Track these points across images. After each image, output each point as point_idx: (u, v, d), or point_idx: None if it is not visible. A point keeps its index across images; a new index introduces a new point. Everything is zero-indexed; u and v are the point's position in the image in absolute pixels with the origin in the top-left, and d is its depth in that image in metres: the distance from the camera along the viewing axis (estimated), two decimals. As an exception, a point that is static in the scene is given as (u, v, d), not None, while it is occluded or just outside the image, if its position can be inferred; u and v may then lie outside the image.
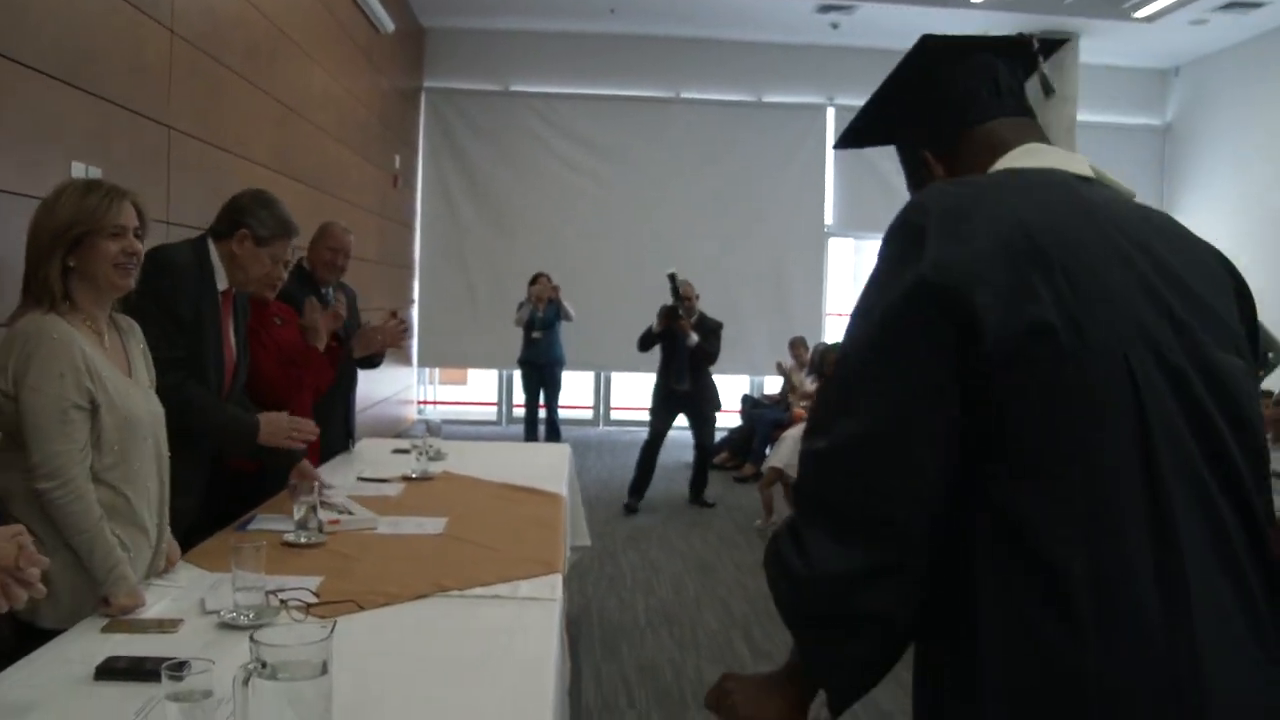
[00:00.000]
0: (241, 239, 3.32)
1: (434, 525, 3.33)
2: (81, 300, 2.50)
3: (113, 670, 2.02)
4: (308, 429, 3.41)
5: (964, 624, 1.28)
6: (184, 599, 2.50)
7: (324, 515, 3.18)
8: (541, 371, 10.35)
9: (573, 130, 12.47)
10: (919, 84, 1.60)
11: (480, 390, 14.73)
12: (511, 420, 12.99)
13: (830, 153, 12.43)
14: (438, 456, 4.59)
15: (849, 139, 1.75)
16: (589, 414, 13.27)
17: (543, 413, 10.44)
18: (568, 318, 10.25)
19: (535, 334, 10.19)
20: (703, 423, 8.42)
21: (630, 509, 8.21)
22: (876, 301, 1.33)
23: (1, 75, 3.63)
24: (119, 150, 4.52)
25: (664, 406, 8.42)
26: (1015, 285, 1.26)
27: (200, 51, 5.36)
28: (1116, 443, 1.24)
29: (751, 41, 12.19)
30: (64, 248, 2.45)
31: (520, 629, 2.39)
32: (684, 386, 8.27)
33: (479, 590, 2.64)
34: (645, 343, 8.51)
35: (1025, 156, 1.50)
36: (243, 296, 3.56)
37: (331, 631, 1.63)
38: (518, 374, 13.07)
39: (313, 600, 2.46)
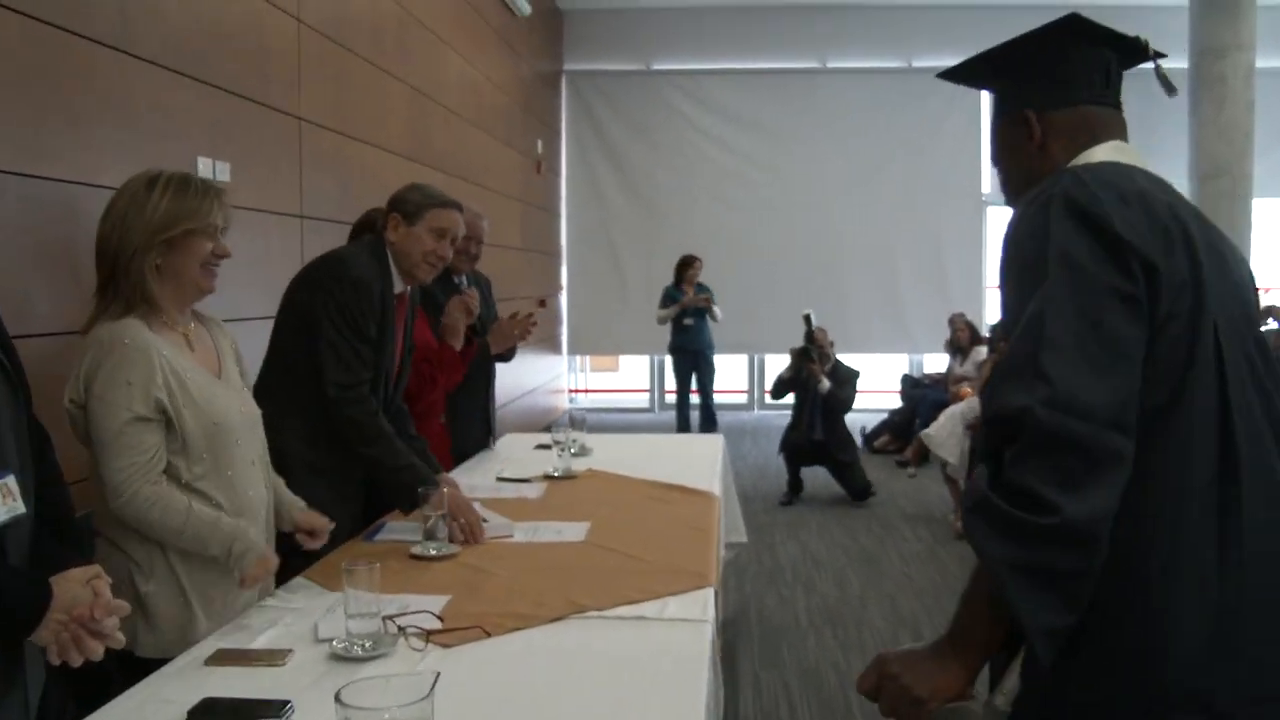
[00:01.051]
0: (394, 224, 3.22)
1: (575, 532, 3.06)
2: (165, 302, 2.31)
3: (208, 712, 1.80)
4: (476, 530, 2.99)
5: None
6: (297, 624, 2.28)
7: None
8: (695, 358, 10.06)
9: (718, 107, 12.09)
10: (1054, 50, 1.76)
11: (632, 377, 14.51)
12: (664, 406, 12.74)
13: (987, 119, 11.78)
14: (582, 452, 4.33)
15: (962, 73, 1.92)
16: (743, 398, 12.92)
17: (695, 398, 10.14)
18: (714, 318, 9.93)
19: (687, 320, 9.90)
20: (843, 468, 7.84)
21: (787, 503, 7.84)
22: (1070, 269, 1.47)
23: (123, 71, 3.49)
24: (247, 144, 4.37)
25: (794, 459, 7.96)
26: (1166, 248, 1.49)
27: (328, 40, 5.20)
28: (1203, 392, 1.48)
29: (900, 5, 11.61)
30: (159, 247, 2.25)
31: (666, 656, 2.10)
32: (817, 435, 7.76)
33: (622, 610, 2.35)
34: (779, 390, 8.10)
35: (1115, 153, 1.69)
36: (414, 297, 3.46)
37: (433, 687, 1.36)
38: (669, 360, 12.93)
39: (435, 626, 2.20)
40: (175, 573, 2.23)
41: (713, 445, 4.74)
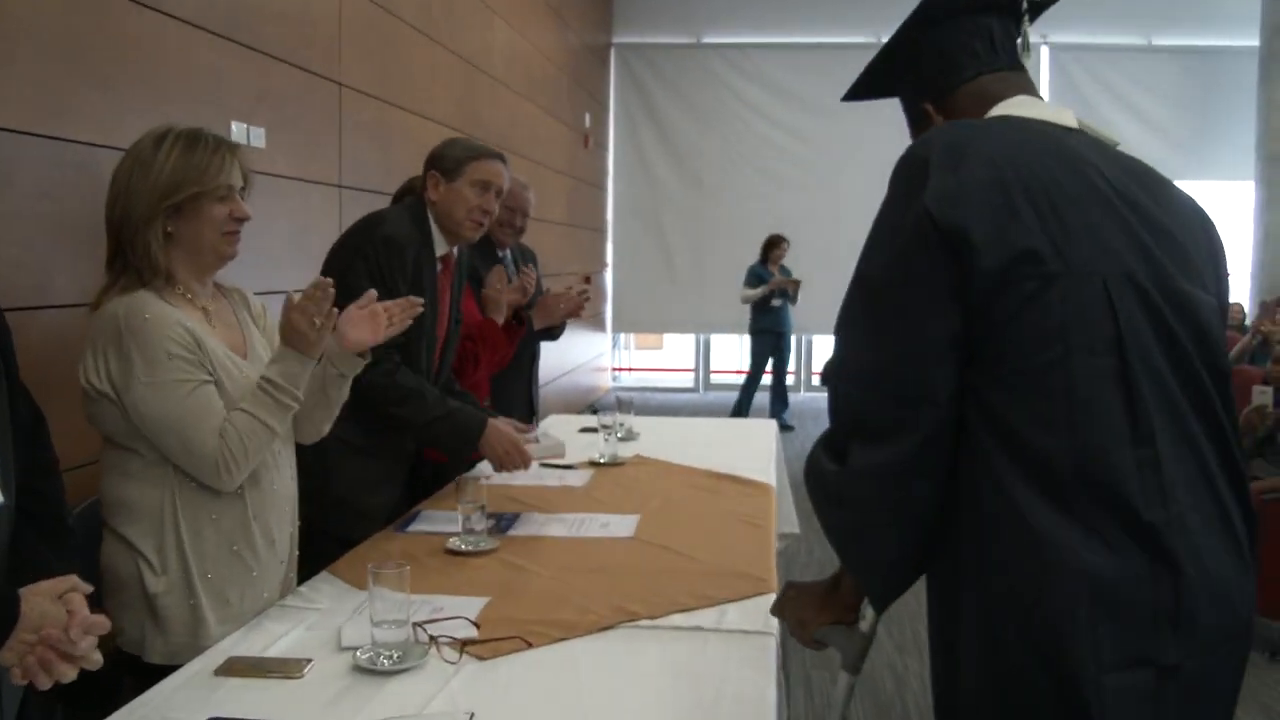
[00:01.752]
0: (434, 183, 3.02)
1: (623, 526, 2.85)
2: (180, 273, 2.11)
3: (214, 733, 1.61)
4: (523, 458, 3.03)
5: (964, 519, 1.43)
6: (320, 627, 2.08)
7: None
8: (779, 339, 9.88)
9: (769, 82, 11.79)
10: (921, 40, 1.72)
11: (677, 356, 14.30)
12: (709, 387, 12.52)
13: (1047, 91, 11.43)
14: (629, 436, 4.12)
15: (858, 91, 1.86)
16: (789, 380, 12.64)
17: (768, 379, 10.06)
18: (793, 301, 9.72)
19: (775, 302, 9.69)
20: None
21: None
22: (886, 232, 1.49)
23: (155, 30, 3.31)
24: (286, 110, 4.18)
25: None
26: (1006, 214, 1.41)
27: (371, 3, 5.00)
28: (1094, 355, 1.39)
29: (961, -23, 11.26)
30: (165, 213, 2.05)
31: (727, 674, 1.89)
32: None
33: (676, 619, 2.14)
34: (826, 378, 7.85)
35: (1015, 107, 1.63)
36: (464, 259, 3.28)
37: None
38: (716, 339, 12.68)
39: (471, 634, 2.00)
40: (189, 569, 2.04)
41: (766, 431, 4.51)
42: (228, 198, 2.11)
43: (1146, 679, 1.34)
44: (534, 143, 8.27)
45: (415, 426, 2.91)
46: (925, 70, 1.72)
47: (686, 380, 12.91)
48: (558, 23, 9.18)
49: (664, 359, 15.13)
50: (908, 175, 1.48)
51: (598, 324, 11.45)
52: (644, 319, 12.44)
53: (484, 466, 3.60)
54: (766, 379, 10.26)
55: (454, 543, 2.62)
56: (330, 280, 2.21)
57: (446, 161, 3.02)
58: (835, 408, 1.53)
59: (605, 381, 12.10)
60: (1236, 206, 10.33)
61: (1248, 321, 8.76)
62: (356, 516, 2.85)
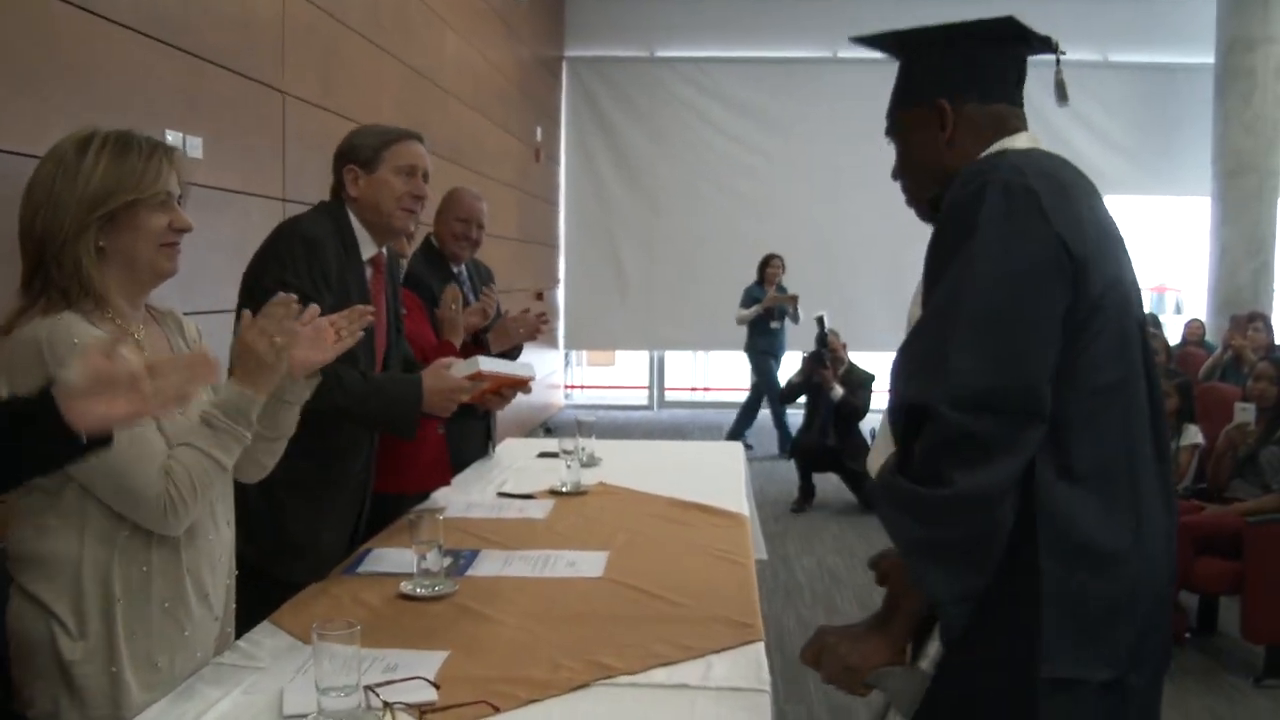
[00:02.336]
0: (352, 177, 2.73)
1: (591, 564, 2.64)
2: (112, 293, 1.87)
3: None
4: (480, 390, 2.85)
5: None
6: (259, 690, 1.85)
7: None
8: (778, 362, 9.66)
9: (724, 96, 11.62)
10: (986, 45, 1.78)
11: (629, 373, 14.08)
12: (663, 404, 12.31)
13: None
14: (590, 462, 3.91)
15: (882, 42, 1.87)
16: (745, 396, 12.44)
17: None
18: (795, 320, 9.49)
19: (774, 324, 9.47)
20: (857, 476, 7.31)
21: (798, 510, 7.44)
22: (1003, 258, 1.53)
23: (84, 32, 3.07)
24: (225, 118, 3.94)
25: (806, 464, 7.56)
26: (1098, 244, 1.59)
27: (317, 8, 4.77)
28: (1138, 378, 1.63)
29: (915, -9, 11.20)
30: (97, 224, 1.82)
31: (719, 740, 1.69)
32: (829, 441, 7.37)
33: (658, 674, 1.93)
34: (789, 395, 7.84)
35: (1033, 143, 1.74)
36: (394, 266, 2.99)
37: None
38: (671, 356, 12.49)
39: (430, 699, 1.79)
40: (113, 632, 1.79)
41: (733, 454, 4.33)
42: (166, 205, 1.89)
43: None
44: (484, 155, 8.05)
45: (353, 416, 2.64)
46: (964, 69, 1.76)
47: (640, 398, 12.70)
48: (508, 34, 8.97)
49: (616, 376, 14.90)
50: (1016, 204, 1.55)
51: (550, 341, 11.22)
52: (597, 336, 12.24)
53: (441, 497, 3.38)
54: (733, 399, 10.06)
55: (408, 586, 2.40)
56: (293, 295, 2.00)
57: (362, 152, 2.74)
58: (930, 431, 1.51)
59: (558, 399, 11.87)
60: (1193, 222, 10.33)
61: (1208, 338, 8.71)
62: (304, 558, 2.60)
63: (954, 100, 1.75)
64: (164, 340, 2.02)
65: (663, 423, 11.23)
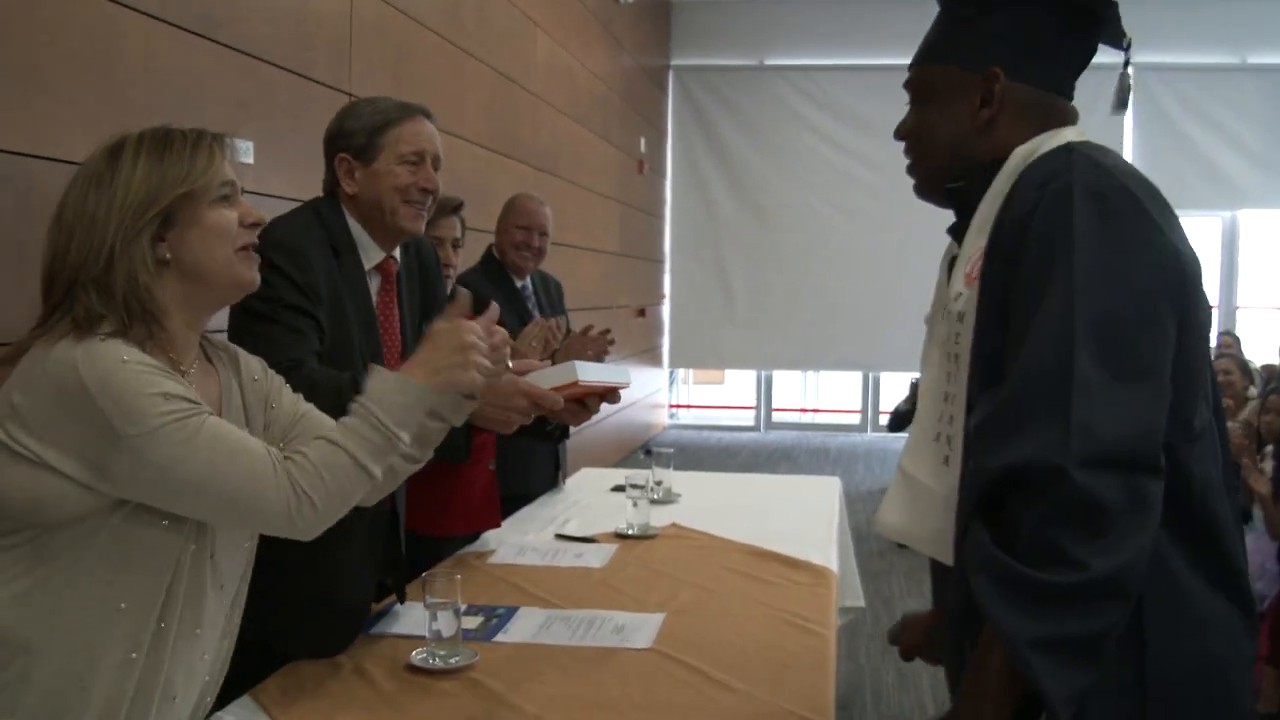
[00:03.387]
0: (346, 170, 2.24)
1: (642, 630, 2.24)
2: (170, 314, 1.53)
3: None
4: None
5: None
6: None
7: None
8: None
9: (836, 106, 11.12)
10: (1066, 20, 1.50)
11: (739, 392, 13.62)
12: (771, 425, 11.83)
13: (1129, 119, 10.65)
14: (667, 498, 3.52)
15: None
16: (855, 419, 11.95)
17: None
18: None
19: None
20: None
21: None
22: (1120, 268, 1.29)
23: (108, 23, 2.81)
24: (278, 121, 3.66)
25: None
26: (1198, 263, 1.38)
27: (387, 5, 4.49)
28: (1210, 410, 1.39)
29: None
30: (151, 228, 1.49)
31: None
32: None
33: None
34: (896, 423, 7.42)
35: (1078, 135, 1.49)
36: (426, 267, 2.50)
37: None
38: (779, 376, 12.02)
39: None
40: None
41: (828, 491, 3.89)
42: (230, 198, 1.55)
43: None
44: (582, 166, 7.74)
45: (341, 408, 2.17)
46: (1032, 41, 1.49)
47: (748, 418, 12.24)
48: (609, 40, 8.65)
49: (725, 395, 14.45)
50: (1119, 211, 1.32)
51: (654, 358, 10.86)
52: (703, 354, 11.81)
53: (494, 538, 3.03)
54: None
55: (420, 656, 2.04)
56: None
57: (355, 138, 2.24)
58: (1049, 499, 1.22)
59: (662, 419, 11.50)
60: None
61: None
62: (314, 630, 2.12)
63: (1009, 72, 1.48)
64: (215, 381, 1.65)
65: (769, 445, 10.77)
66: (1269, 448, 4.50)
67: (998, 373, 1.35)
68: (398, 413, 1.55)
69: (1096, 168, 1.35)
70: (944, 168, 1.55)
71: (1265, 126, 10.48)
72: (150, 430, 1.40)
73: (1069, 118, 1.52)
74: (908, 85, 1.58)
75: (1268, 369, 7.30)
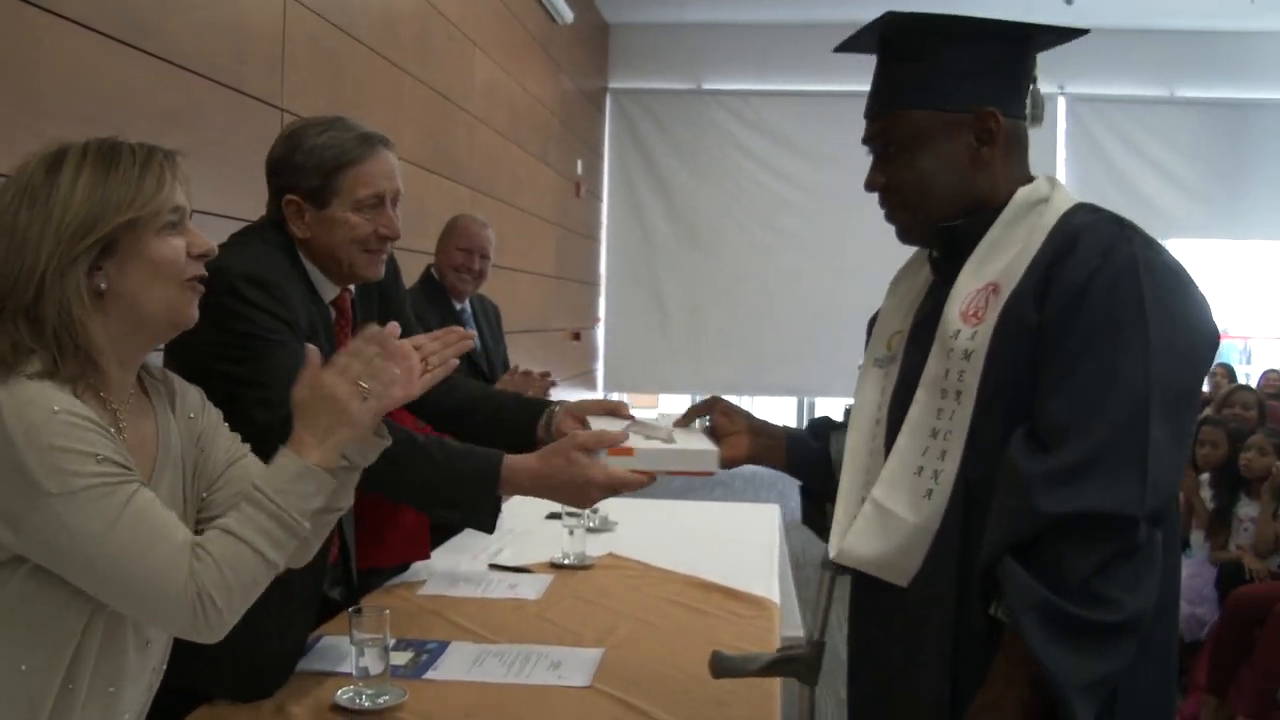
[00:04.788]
0: (295, 211, 2.06)
1: (578, 667, 2.17)
2: (103, 352, 1.39)
3: None
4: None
5: None
6: None
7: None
8: None
9: (773, 131, 11.12)
10: (1027, 50, 1.58)
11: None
12: (705, 451, 11.77)
13: (1061, 149, 10.81)
14: (603, 526, 3.46)
15: (928, 26, 1.55)
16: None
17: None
18: None
19: None
20: None
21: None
22: (1183, 342, 1.41)
23: (28, 30, 2.69)
24: (211, 135, 3.56)
25: None
26: None
27: (323, 20, 4.39)
28: None
29: (975, 26, 10.73)
30: (87, 256, 1.36)
31: None
32: None
33: None
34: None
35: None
36: (371, 290, 2.32)
37: None
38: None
39: None
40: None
41: (766, 518, 3.86)
42: (178, 226, 1.43)
43: None
44: (519, 188, 7.67)
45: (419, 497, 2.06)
46: (1012, 77, 1.55)
47: (682, 443, 12.18)
48: (547, 61, 8.59)
49: (659, 420, 14.39)
50: (1179, 284, 1.45)
51: (589, 382, 10.79)
52: (638, 378, 11.71)
53: (424, 568, 2.94)
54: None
55: (345, 695, 1.95)
56: (394, 325, 1.53)
57: (306, 177, 2.03)
58: (1132, 556, 1.33)
59: (596, 444, 11.40)
60: (1271, 268, 9.69)
61: None
62: (238, 672, 1.97)
63: (1003, 110, 1.54)
64: (151, 422, 1.52)
65: (704, 471, 10.72)
66: (1204, 475, 4.56)
67: (1021, 410, 1.43)
68: (295, 500, 1.43)
69: (1150, 244, 1.46)
70: (943, 211, 1.58)
71: (1194, 158, 10.67)
72: (74, 491, 1.29)
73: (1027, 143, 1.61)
74: (879, 135, 1.59)
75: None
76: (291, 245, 2.10)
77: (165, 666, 1.59)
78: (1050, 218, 1.52)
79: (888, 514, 1.55)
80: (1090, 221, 1.50)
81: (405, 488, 1.99)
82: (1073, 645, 1.29)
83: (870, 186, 1.62)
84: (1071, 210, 1.54)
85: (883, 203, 1.64)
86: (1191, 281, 1.46)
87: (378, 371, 1.49)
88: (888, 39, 1.61)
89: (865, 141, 1.65)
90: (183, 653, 1.64)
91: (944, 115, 1.53)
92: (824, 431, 1.97)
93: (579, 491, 1.98)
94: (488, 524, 2.05)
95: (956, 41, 1.54)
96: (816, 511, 7.37)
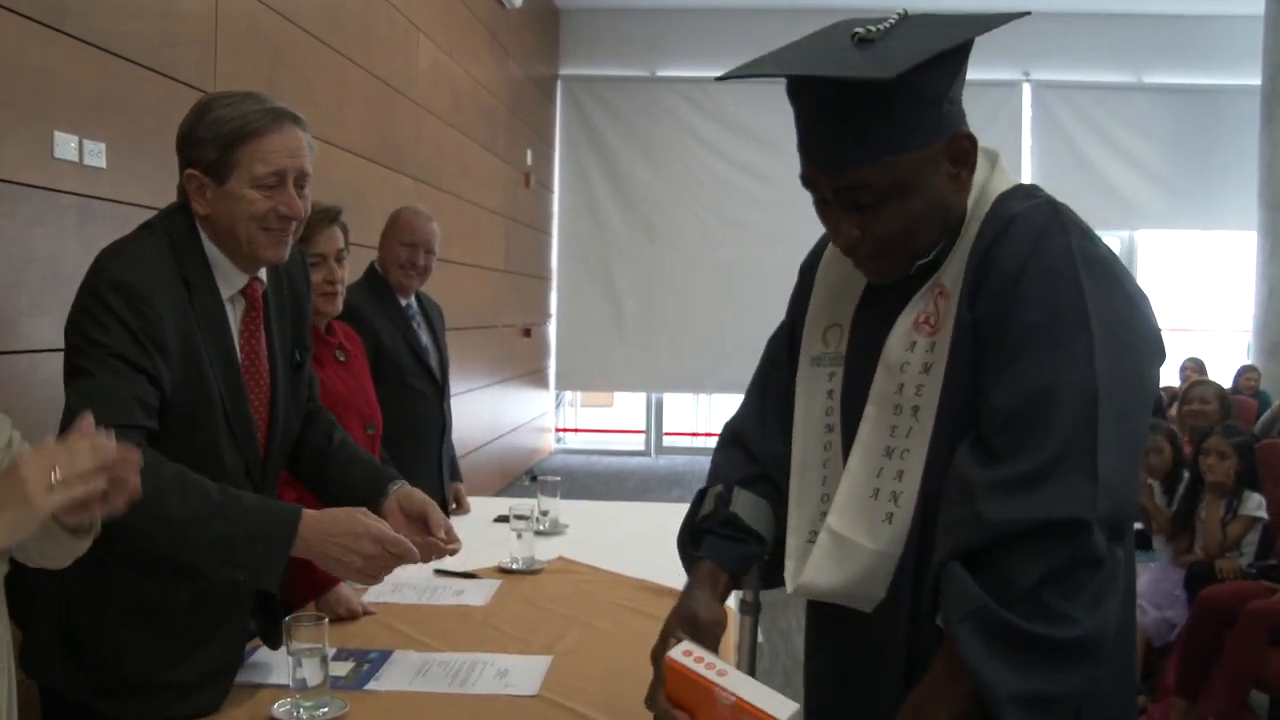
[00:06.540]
0: (197, 186, 1.91)
1: (527, 676, 2.06)
2: None
3: None
4: (402, 552, 1.93)
5: None
6: None
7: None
8: None
9: (728, 119, 10.99)
10: (954, 75, 1.45)
11: (628, 415, 13.41)
12: (662, 450, 11.64)
13: (1027, 136, 10.76)
14: (553, 529, 3.34)
15: (920, 63, 1.35)
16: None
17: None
18: None
19: None
20: None
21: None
22: (1125, 335, 1.35)
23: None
24: (138, 122, 3.40)
25: None
26: None
27: (259, 3, 4.24)
28: None
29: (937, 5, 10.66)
30: None
31: None
32: None
33: None
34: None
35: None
36: (283, 280, 2.15)
37: None
38: (670, 398, 11.86)
39: None
40: None
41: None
42: None
43: None
44: (466, 179, 7.52)
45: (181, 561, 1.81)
46: (958, 89, 1.43)
47: (638, 443, 12.03)
48: (495, 48, 8.43)
49: (614, 418, 14.23)
50: (1115, 273, 1.39)
51: (539, 380, 10.64)
52: (591, 376, 11.52)
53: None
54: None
55: (282, 708, 1.83)
56: (108, 439, 1.32)
57: (205, 149, 1.88)
58: (1087, 565, 1.26)
59: (548, 443, 11.26)
60: (1238, 258, 9.70)
61: (1263, 386, 7.90)
62: (155, 698, 1.87)
63: (964, 125, 1.44)
64: None
65: (660, 470, 10.61)
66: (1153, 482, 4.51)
67: (970, 416, 1.36)
68: None
69: (1086, 234, 1.39)
70: (927, 248, 1.46)
71: (1161, 146, 10.66)
72: None
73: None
74: (852, 190, 1.41)
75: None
76: (195, 232, 1.95)
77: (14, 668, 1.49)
78: (984, 205, 1.44)
79: (845, 542, 1.45)
80: (1023, 209, 1.41)
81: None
82: (1008, 657, 1.23)
83: (848, 245, 1.45)
84: (1006, 194, 1.46)
85: (853, 252, 1.47)
86: (1128, 273, 1.41)
87: (80, 470, 1.29)
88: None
89: (829, 198, 1.46)
90: (102, 684, 1.52)
91: (922, 153, 1.39)
92: (726, 518, 1.68)
93: (355, 541, 1.86)
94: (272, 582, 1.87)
95: (933, 68, 1.38)
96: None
